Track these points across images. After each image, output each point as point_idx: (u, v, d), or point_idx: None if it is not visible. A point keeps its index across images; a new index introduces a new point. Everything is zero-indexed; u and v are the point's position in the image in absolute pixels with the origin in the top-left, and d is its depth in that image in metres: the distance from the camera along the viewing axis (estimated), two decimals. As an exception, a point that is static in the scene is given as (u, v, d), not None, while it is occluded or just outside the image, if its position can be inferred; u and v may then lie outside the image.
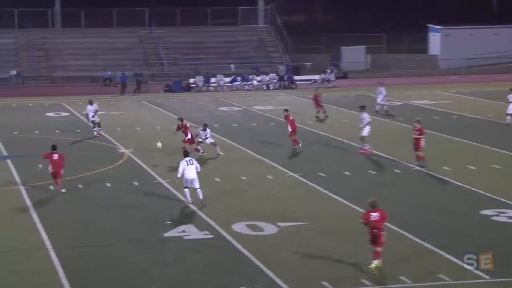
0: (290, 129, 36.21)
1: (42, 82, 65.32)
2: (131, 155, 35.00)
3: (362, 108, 35.79)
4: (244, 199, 27.63)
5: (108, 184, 29.60)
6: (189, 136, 34.09)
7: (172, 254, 21.61)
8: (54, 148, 28.76)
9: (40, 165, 28.39)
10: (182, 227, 23.89)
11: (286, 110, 37.76)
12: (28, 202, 27.04)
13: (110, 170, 32.23)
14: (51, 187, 28.88)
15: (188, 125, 35.09)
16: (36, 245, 22.38)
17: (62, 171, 28.43)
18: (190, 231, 23.57)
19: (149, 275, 19.91)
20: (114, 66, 65.06)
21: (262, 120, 45.56)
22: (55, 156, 28.36)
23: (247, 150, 36.19)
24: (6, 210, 26.26)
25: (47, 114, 48.48)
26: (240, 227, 23.91)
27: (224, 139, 38.30)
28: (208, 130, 34.72)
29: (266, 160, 33.90)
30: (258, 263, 20.67)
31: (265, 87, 62.52)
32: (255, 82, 62.84)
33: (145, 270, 20.29)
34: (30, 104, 53.56)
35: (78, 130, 41.98)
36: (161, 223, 24.35)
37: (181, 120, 35.17)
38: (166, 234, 23.23)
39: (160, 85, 62.23)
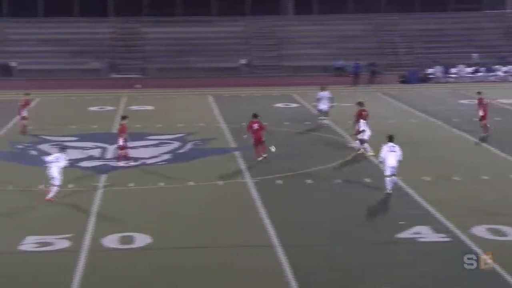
0: (481, 114, 36.42)
1: (271, 71, 66.87)
2: (363, 150, 35.03)
3: None
4: (484, 200, 26.89)
5: (338, 180, 29.82)
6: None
7: (403, 257, 21.39)
8: (255, 116, 32.44)
9: (245, 136, 32.44)
10: (416, 228, 23.59)
11: (479, 92, 37.68)
12: (255, 196, 27.77)
13: (340, 165, 32.45)
14: (279, 182, 29.55)
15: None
16: (263, 242, 22.91)
17: (263, 139, 32.10)
18: (425, 233, 23.24)
19: (374, 280, 19.77)
20: (346, 55, 65.46)
21: (508, 115, 44.12)
22: (255, 126, 31.65)
23: (489, 148, 35.24)
24: (234, 203, 27.14)
25: (276, 105, 49.56)
26: (480, 230, 23.29)
27: (465, 134, 37.51)
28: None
29: (510, 158, 32.84)
30: (502, 272, 19.97)
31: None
32: (500, 73, 60.92)
33: (372, 273, 20.18)
34: (259, 94, 54.98)
35: (308, 122, 42.60)
36: (393, 223, 24.18)
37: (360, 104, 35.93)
38: (398, 235, 23.05)
39: (394, 76, 61.88)
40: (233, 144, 36.95)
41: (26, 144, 36.89)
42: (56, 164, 27.34)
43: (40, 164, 32.79)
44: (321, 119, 40.98)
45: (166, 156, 34.75)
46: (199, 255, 21.87)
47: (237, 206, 26.74)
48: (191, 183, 29.64)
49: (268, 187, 28.92)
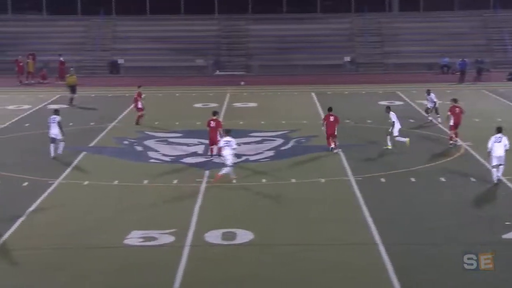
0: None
1: (375, 69, 66.41)
2: (468, 148, 34.51)
3: None
4: None
5: (442, 179, 29.43)
6: None
7: (508, 259, 20.92)
8: (330, 109, 34.47)
9: (322, 128, 34.37)
10: (525, 229, 23.14)
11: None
12: (358, 193, 27.65)
13: (445, 164, 32.02)
14: (382, 180, 29.37)
15: None
16: (366, 240, 22.80)
17: (336, 133, 33.94)
18: (532, 234, 22.77)
19: (475, 283, 19.36)
20: (452, 52, 64.47)
21: None
22: (331, 118, 33.59)
23: None
24: (336, 201, 27.08)
25: (380, 102, 49.18)
26: None
27: None
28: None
29: None
30: None
31: None
32: None
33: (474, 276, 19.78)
34: (363, 92, 54.68)
35: (412, 120, 42.18)
36: (499, 224, 23.73)
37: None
38: (504, 236, 22.59)
39: (503, 73, 60.62)
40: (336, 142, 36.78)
41: (132, 140, 37.60)
42: (228, 147, 29.05)
43: (145, 160, 33.46)
44: (432, 118, 41.15)
45: (269, 153, 34.90)
46: (301, 251, 21.92)
47: (339, 204, 26.69)
48: (294, 180, 29.71)
49: (370, 185, 28.76)
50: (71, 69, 53.90)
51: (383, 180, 29.43)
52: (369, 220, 24.47)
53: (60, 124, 34.02)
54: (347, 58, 66.67)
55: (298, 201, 27.01)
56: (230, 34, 70.92)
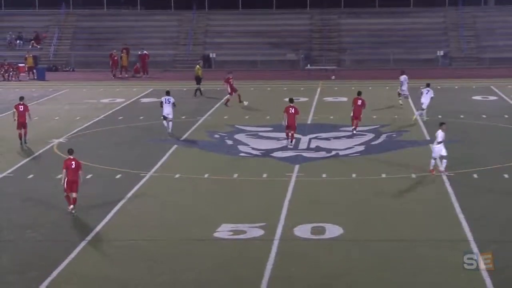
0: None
1: (470, 63, 65.33)
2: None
3: None
4: None
5: (535, 176, 28.79)
6: None
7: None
8: (359, 93, 37.00)
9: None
10: None
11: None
12: (450, 189, 27.20)
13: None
14: (475, 176, 28.88)
15: None
16: (458, 237, 22.42)
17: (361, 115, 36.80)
18: None
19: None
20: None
21: None
22: (359, 102, 36.92)
23: None
24: (428, 197, 26.73)
25: (474, 97, 48.39)
26: None
27: None
28: None
29: None
30: None
31: None
32: None
33: None
34: (456, 87, 53.87)
35: (506, 116, 41.36)
36: None
37: None
38: None
39: None
40: (427, 137, 36.34)
41: (223, 134, 37.82)
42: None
43: (236, 153, 33.61)
44: None
45: (360, 148, 34.66)
46: (392, 248, 21.71)
47: (430, 200, 26.32)
48: (384, 175, 29.44)
49: (463, 181, 28.30)
50: (199, 61, 56.15)
51: (475, 176, 28.92)
52: (461, 217, 24.07)
53: (174, 104, 37.51)
54: (441, 52, 65.75)
55: (388, 196, 26.74)
56: (322, 28, 70.72)
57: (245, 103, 46.04)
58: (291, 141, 34.67)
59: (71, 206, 24.87)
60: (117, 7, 75.24)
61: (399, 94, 45.23)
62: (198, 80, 51.71)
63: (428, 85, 41.04)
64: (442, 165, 28.98)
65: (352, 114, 37.40)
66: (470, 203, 25.51)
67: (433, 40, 67.73)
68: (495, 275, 19.26)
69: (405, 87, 44.52)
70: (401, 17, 70.44)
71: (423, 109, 40.51)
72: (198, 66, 53.01)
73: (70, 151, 25.47)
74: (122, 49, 63.93)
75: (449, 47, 67.15)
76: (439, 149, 29.10)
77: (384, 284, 19.39)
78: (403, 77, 44.76)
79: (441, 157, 29.06)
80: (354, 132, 36.94)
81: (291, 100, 35.78)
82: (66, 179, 24.83)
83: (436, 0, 72.15)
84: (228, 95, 46.36)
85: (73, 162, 25.04)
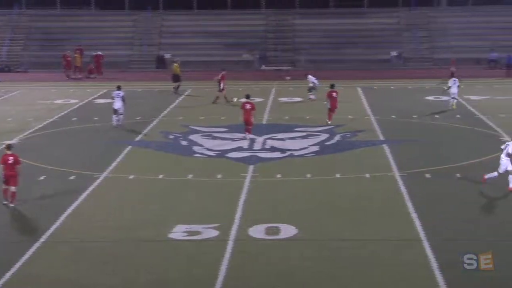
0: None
1: (423, 64, 65.92)
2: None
3: None
4: None
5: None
6: None
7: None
8: (332, 86, 37.79)
9: (325, 102, 38.16)
10: None
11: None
12: (403, 189, 27.44)
13: (491, 159, 31.63)
14: (428, 176, 29.18)
15: None
16: (410, 236, 22.62)
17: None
18: None
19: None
20: (501, 47, 63.77)
21: None
22: (334, 94, 38.49)
23: None
24: (381, 197, 26.90)
25: (427, 97, 48.86)
26: None
27: None
28: None
29: None
30: None
31: None
32: None
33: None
34: (410, 87, 54.32)
35: (458, 116, 41.86)
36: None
37: None
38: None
39: (552, 69, 59.85)
40: (381, 137, 36.66)
41: (178, 134, 37.78)
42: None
43: (190, 154, 33.61)
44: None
45: (314, 148, 34.85)
46: (346, 247, 21.87)
47: (384, 199, 26.55)
48: (338, 175, 29.64)
49: (416, 181, 28.57)
50: (177, 59, 56.22)
51: (428, 176, 29.22)
52: (414, 216, 24.32)
53: (123, 98, 39.35)
54: (394, 53, 66.25)
55: (343, 196, 26.94)
56: (276, 28, 70.89)
57: (235, 99, 46.34)
58: (248, 134, 35.67)
59: (8, 200, 25.65)
60: (71, 7, 74.68)
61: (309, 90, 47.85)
62: (177, 78, 52.32)
63: (452, 75, 46.36)
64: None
65: (329, 107, 39.71)
66: (422, 203, 25.75)
67: (387, 40, 68.21)
68: (446, 271, 19.54)
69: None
70: (355, 18, 70.84)
71: (455, 99, 43.51)
72: (176, 64, 53.13)
73: (8, 147, 26.27)
74: (75, 50, 63.53)
75: (403, 47, 67.70)
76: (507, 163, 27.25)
77: (337, 281, 19.57)
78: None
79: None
80: (329, 123, 39.18)
81: (247, 96, 36.63)
82: (3, 174, 25.54)
83: (389, 1, 72.59)
84: (218, 92, 47.17)
85: (11, 157, 25.70)
